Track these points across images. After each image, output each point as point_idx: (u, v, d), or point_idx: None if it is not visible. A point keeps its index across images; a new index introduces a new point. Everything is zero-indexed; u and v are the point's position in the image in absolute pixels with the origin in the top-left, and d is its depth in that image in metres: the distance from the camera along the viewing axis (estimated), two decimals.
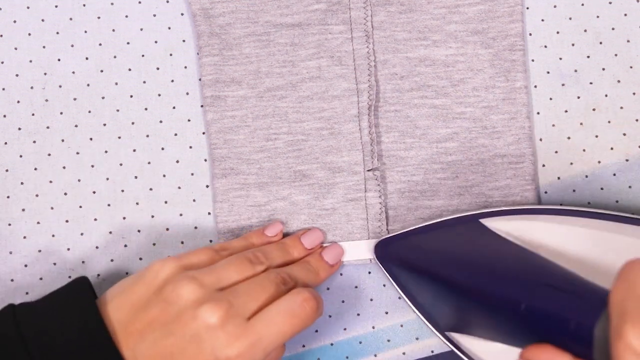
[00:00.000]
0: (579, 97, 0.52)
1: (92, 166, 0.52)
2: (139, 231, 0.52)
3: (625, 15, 0.53)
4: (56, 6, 0.53)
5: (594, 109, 0.52)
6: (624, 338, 0.36)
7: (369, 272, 0.52)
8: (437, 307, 0.48)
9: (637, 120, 0.52)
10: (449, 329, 0.48)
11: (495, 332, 0.46)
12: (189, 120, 0.53)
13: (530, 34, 0.53)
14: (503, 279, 0.45)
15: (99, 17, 0.53)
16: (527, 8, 0.53)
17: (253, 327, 0.42)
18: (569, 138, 0.52)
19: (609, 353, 0.37)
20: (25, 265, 0.52)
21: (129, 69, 0.53)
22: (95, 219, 0.52)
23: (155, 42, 0.53)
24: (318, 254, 0.50)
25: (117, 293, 0.44)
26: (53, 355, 0.41)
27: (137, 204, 0.52)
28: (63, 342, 0.42)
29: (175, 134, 0.53)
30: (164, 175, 0.52)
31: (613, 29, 0.53)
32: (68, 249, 0.52)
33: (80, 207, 0.52)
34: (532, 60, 0.53)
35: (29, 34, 0.53)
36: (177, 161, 0.52)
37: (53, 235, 0.52)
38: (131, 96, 0.53)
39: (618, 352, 0.36)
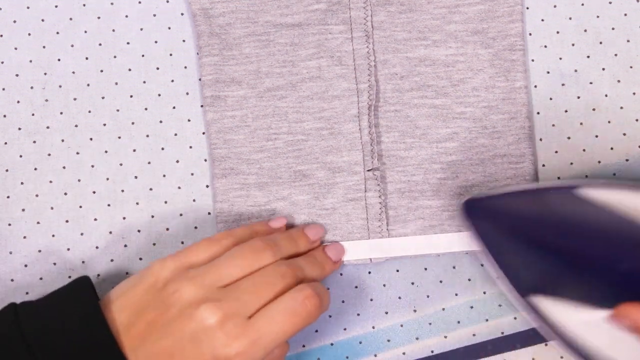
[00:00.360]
0: (579, 97, 0.52)
1: (92, 166, 0.52)
2: (139, 231, 0.52)
3: (625, 15, 0.53)
4: (56, 6, 0.54)
5: (594, 109, 0.52)
6: None
7: (369, 272, 0.52)
8: (525, 268, 0.47)
9: (637, 120, 0.52)
10: (534, 290, 0.47)
11: (587, 294, 0.45)
12: (189, 120, 0.53)
13: (530, 34, 0.53)
14: (599, 241, 0.44)
15: (99, 17, 0.53)
16: (527, 8, 0.53)
17: (252, 326, 0.42)
18: (569, 138, 0.52)
19: None
20: (25, 265, 0.52)
21: (129, 69, 0.53)
22: (95, 219, 0.52)
23: (155, 42, 0.53)
24: (322, 249, 0.49)
25: (119, 295, 0.44)
26: (55, 355, 0.41)
27: (137, 204, 0.52)
28: (65, 342, 0.42)
29: (175, 134, 0.53)
30: (164, 175, 0.52)
31: (613, 29, 0.53)
32: (68, 249, 0.52)
33: (80, 207, 0.52)
34: (532, 60, 0.53)
35: (29, 34, 0.53)
36: (177, 161, 0.52)
37: (53, 235, 0.52)
38: (131, 96, 0.53)
39: None
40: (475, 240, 0.48)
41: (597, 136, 0.52)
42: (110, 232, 0.52)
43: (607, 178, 0.50)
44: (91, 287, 0.45)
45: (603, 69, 0.53)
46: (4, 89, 0.53)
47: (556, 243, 0.45)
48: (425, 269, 0.52)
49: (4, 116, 0.53)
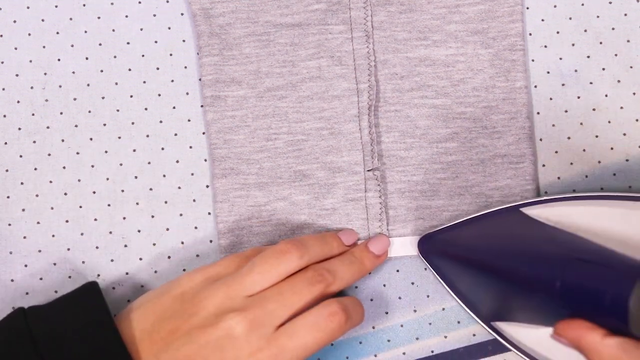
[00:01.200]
0: (579, 97, 0.52)
1: (92, 166, 0.52)
2: (139, 231, 0.52)
3: (625, 15, 0.53)
4: (56, 6, 0.53)
5: (594, 109, 0.52)
6: None
7: (369, 272, 0.52)
8: (481, 296, 0.48)
9: (637, 120, 0.52)
10: (494, 318, 0.48)
11: (535, 315, 0.46)
12: (189, 120, 0.53)
13: (530, 34, 0.53)
14: (539, 260, 0.45)
15: (99, 17, 0.53)
16: (527, 8, 0.53)
17: (276, 339, 0.42)
18: (569, 138, 0.52)
19: None
20: (25, 265, 0.52)
21: (129, 69, 0.53)
22: (95, 219, 0.52)
23: (155, 42, 0.53)
24: (363, 245, 0.49)
25: (143, 302, 0.45)
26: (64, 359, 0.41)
27: (137, 204, 0.52)
28: (76, 349, 0.42)
29: (175, 134, 0.53)
30: (164, 175, 0.52)
31: (613, 29, 0.53)
32: (68, 249, 0.52)
33: (80, 207, 0.52)
34: (532, 60, 0.53)
35: (29, 34, 0.53)
36: (177, 161, 0.52)
37: (53, 235, 0.52)
38: (131, 96, 0.53)
39: None
40: (435, 276, 0.50)
41: (597, 136, 0.52)
42: (110, 232, 0.52)
43: (546, 195, 0.51)
44: (99, 293, 0.45)
45: (603, 69, 0.53)
46: (4, 89, 0.53)
47: (504, 266, 0.46)
48: (425, 269, 0.52)
49: (4, 116, 0.53)
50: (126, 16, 0.53)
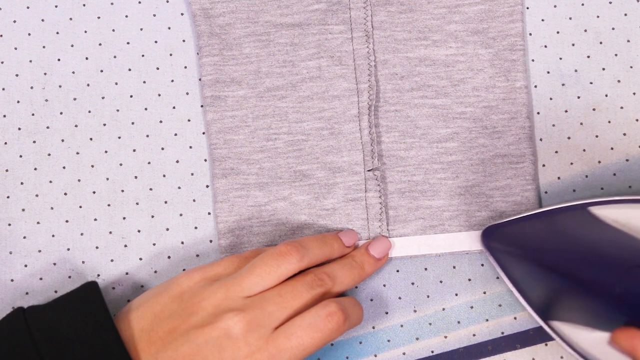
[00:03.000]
0: (579, 97, 0.52)
1: (92, 166, 0.52)
2: (139, 231, 0.52)
3: (625, 15, 0.53)
4: (56, 6, 0.53)
5: (594, 109, 0.52)
6: None
7: (369, 276, 0.51)
8: (540, 294, 0.48)
9: (637, 120, 0.52)
10: (553, 317, 0.48)
11: (592, 318, 0.46)
12: (189, 120, 0.53)
13: (530, 34, 0.53)
14: (602, 263, 0.44)
15: (99, 17, 0.53)
16: (527, 8, 0.53)
17: (274, 340, 0.42)
18: (569, 138, 0.52)
19: None
20: (25, 265, 0.52)
21: (129, 69, 0.53)
22: (95, 219, 0.52)
23: (155, 42, 0.53)
24: (364, 248, 0.49)
25: (142, 302, 0.45)
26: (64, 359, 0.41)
27: (137, 204, 0.52)
28: (76, 349, 0.42)
29: (175, 134, 0.53)
30: (164, 175, 0.52)
31: (613, 29, 0.53)
32: (68, 249, 0.52)
33: (80, 207, 0.52)
34: (532, 60, 0.53)
35: (29, 34, 0.53)
36: (177, 161, 0.52)
37: (53, 235, 0.52)
38: (131, 96, 0.53)
39: None
40: (496, 269, 0.49)
41: (597, 136, 0.52)
42: (110, 232, 0.52)
43: (618, 195, 0.50)
44: (99, 293, 0.45)
45: (603, 69, 0.53)
46: (4, 89, 0.53)
47: (564, 265, 0.46)
48: (425, 269, 0.52)
49: (4, 116, 0.53)
50: (126, 16, 0.53)
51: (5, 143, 0.52)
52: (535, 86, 0.53)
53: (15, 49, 0.53)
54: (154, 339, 0.42)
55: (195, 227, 0.52)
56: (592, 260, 0.45)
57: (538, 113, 0.52)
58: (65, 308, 0.44)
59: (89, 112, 0.53)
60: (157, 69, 0.53)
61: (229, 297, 0.43)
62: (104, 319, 0.43)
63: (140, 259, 0.52)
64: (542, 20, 0.53)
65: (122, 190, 0.52)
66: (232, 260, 0.46)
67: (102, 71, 0.53)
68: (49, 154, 0.52)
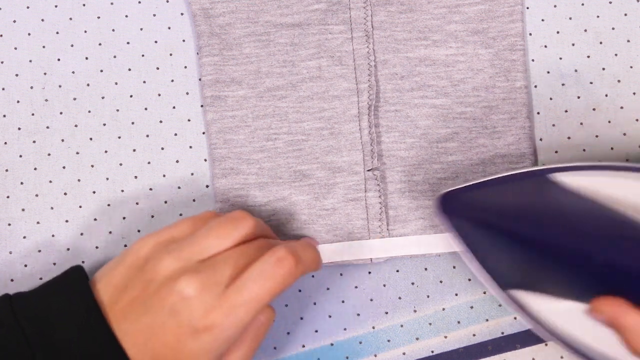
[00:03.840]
0: (579, 97, 0.52)
1: (92, 166, 0.52)
2: (139, 231, 0.52)
3: (625, 15, 0.53)
4: (56, 6, 0.53)
5: (594, 109, 0.52)
6: None
7: (369, 272, 0.52)
8: (503, 262, 0.47)
9: (637, 120, 0.52)
10: (514, 286, 0.47)
11: (565, 288, 0.45)
12: (189, 120, 0.53)
13: (530, 34, 0.53)
14: (575, 233, 0.44)
15: (98, 17, 0.53)
16: (527, 8, 0.53)
17: (227, 297, 0.41)
18: (569, 138, 0.52)
19: None
20: (25, 265, 0.52)
21: (129, 69, 0.53)
22: (95, 219, 0.52)
23: (155, 42, 0.53)
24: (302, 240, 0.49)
25: (102, 276, 0.44)
26: (51, 342, 0.41)
27: (137, 204, 0.52)
28: (60, 331, 0.41)
29: (175, 134, 0.53)
30: (164, 175, 0.52)
31: (613, 29, 0.53)
32: (68, 249, 0.52)
33: (80, 207, 0.52)
34: (532, 60, 0.53)
35: (29, 34, 0.53)
36: (177, 161, 0.52)
37: (53, 235, 0.52)
38: (131, 96, 0.53)
39: None
40: (452, 237, 0.48)
41: (597, 136, 0.52)
42: (110, 232, 0.52)
43: (577, 159, 0.49)
44: (85, 277, 0.45)
45: (603, 69, 0.53)
46: (4, 89, 0.53)
47: (533, 235, 0.45)
48: (425, 269, 0.52)
49: (4, 116, 0.53)
50: (126, 16, 0.53)
51: (5, 143, 0.52)
52: (535, 86, 0.53)
53: (15, 49, 0.53)
54: (116, 311, 0.42)
55: None
56: (564, 230, 0.44)
57: (538, 113, 0.52)
58: (50, 293, 0.44)
59: (89, 112, 0.53)
60: (157, 69, 0.53)
61: (184, 260, 0.43)
62: (89, 303, 0.42)
63: None
64: (542, 20, 0.53)
65: (122, 190, 0.52)
66: (187, 223, 0.46)
67: (102, 71, 0.53)
68: (49, 154, 0.52)
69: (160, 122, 0.53)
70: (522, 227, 0.46)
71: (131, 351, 0.41)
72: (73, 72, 0.53)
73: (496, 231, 0.47)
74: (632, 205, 0.44)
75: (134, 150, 0.52)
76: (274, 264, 0.42)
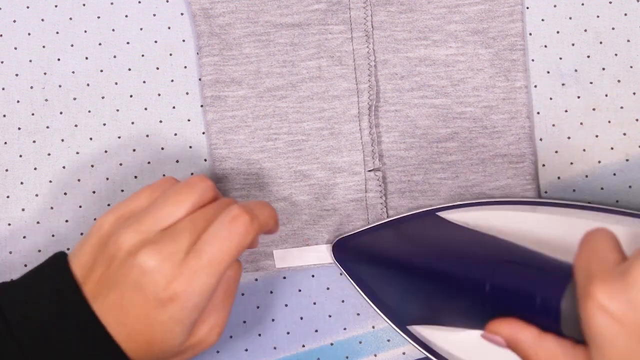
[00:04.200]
0: (579, 97, 0.52)
1: (92, 166, 0.52)
2: None
3: (625, 15, 0.53)
4: (56, 6, 0.53)
5: (594, 109, 0.52)
6: (592, 297, 0.36)
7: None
8: (399, 300, 0.48)
9: (637, 120, 0.52)
10: (412, 322, 0.48)
11: (461, 317, 0.46)
12: (189, 120, 0.53)
13: (530, 34, 0.53)
14: (464, 262, 0.45)
15: (98, 17, 0.53)
16: (527, 8, 0.53)
17: (187, 263, 0.41)
18: (569, 138, 0.52)
19: (576, 326, 0.37)
20: (25, 265, 0.52)
21: (129, 69, 0.53)
22: (95, 219, 0.52)
23: (155, 42, 0.53)
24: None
25: (72, 256, 0.44)
26: (34, 326, 0.41)
27: None
28: (41, 310, 0.41)
29: (175, 134, 0.53)
30: (164, 175, 0.52)
31: (613, 28, 0.53)
32: (68, 249, 0.52)
33: (80, 207, 0.52)
34: (532, 60, 0.53)
35: (29, 34, 0.53)
36: (177, 161, 0.52)
37: (53, 235, 0.52)
38: (131, 96, 0.53)
39: (587, 312, 0.36)
40: (350, 280, 0.49)
41: (597, 136, 0.52)
42: None
43: (466, 200, 0.51)
44: (64, 259, 0.44)
45: (603, 69, 0.53)
46: (4, 89, 0.53)
47: (424, 270, 0.46)
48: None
49: (4, 116, 0.53)
50: (126, 16, 0.53)
51: (5, 143, 0.52)
52: (535, 86, 0.53)
53: (15, 48, 0.53)
54: (87, 291, 0.42)
55: None
56: (453, 261, 0.45)
57: (538, 113, 0.52)
58: (32, 278, 0.43)
59: (89, 112, 0.53)
60: (157, 68, 0.53)
61: (144, 232, 0.42)
62: (71, 288, 0.42)
63: None
64: (542, 20, 0.53)
65: (122, 190, 0.52)
66: (144, 193, 0.45)
67: (102, 71, 0.53)
68: (49, 154, 0.52)
69: (160, 122, 0.53)
70: (413, 264, 0.47)
71: (110, 328, 0.41)
72: (73, 72, 0.53)
73: (389, 271, 0.48)
74: (513, 233, 0.46)
75: (134, 150, 0.52)
76: (228, 223, 0.41)
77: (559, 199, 0.51)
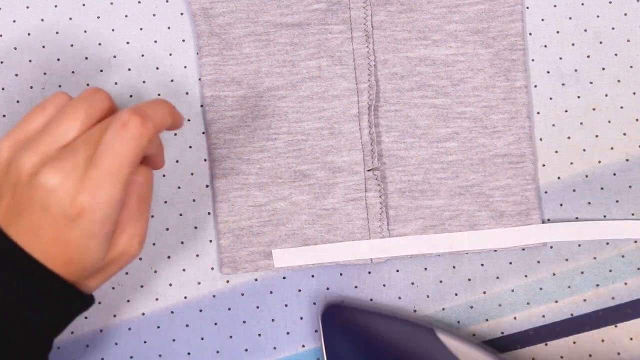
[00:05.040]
0: (579, 97, 0.52)
1: None
2: None
3: (625, 15, 0.53)
4: (56, 6, 0.53)
5: (594, 109, 0.52)
6: None
7: (369, 272, 0.52)
8: None
9: (637, 120, 0.52)
10: None
11: None
12: (188, 120, 0.53)
13: (530, 34, 0.53)
14: None
15: (98, 17, 0.53)
16: (527, 8, 0.53)
17: (87, 176, 0.40)
18: (569, 138, 0.52)
19: None
20: None
21: (129, 69, 0.53)
22: None
23: (155, 42, 0.53)
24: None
25: None
26: None
27: None
28: None
29: (175, 134, 0.53)
30: (164, 175, 0.52)
31: (613, 28, 0.53)
32: None
33: None
34: (532, 60, 0.53)
35: (29, 34, 0.53)
36: (177, 161, 0.52)
37: None
38: (131, 96, 0.53)
39: None
40: (323, 349, 0.49)
41: (597, 136, 0.52)
42: None
43: (462, 333, 0.51)
44: None
45: (603, 69, 0.53)
46: (3, 89, 0.53)
47: None
48: (425, 269, 0.52)
49: (4, 116, 0.53)
50: (126, 16, 0.53)
51: None
52: (535, 86, 0.53)
53: (15, 49, 0.53)
54: (0, 220, 0.41)
55: (195, 227, 0.52)
56: None
57: (538, 113, 0.52)
58: None
59: None
60: (157, 68, 0.53)
61: (43, 152, 0.41)
62: None
63: (140, 259, 0.52)
64: (542, 20, 0.53)
65: None
66: (38, 113, 0.44)
67: (101, 71, 0.53)
68: None
69: None
70: None
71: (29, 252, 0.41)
72: (73, 72, 0.53)
73: (364, 354, 0.48)
74: None
75: None
76: (120, 129, 0.40)
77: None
